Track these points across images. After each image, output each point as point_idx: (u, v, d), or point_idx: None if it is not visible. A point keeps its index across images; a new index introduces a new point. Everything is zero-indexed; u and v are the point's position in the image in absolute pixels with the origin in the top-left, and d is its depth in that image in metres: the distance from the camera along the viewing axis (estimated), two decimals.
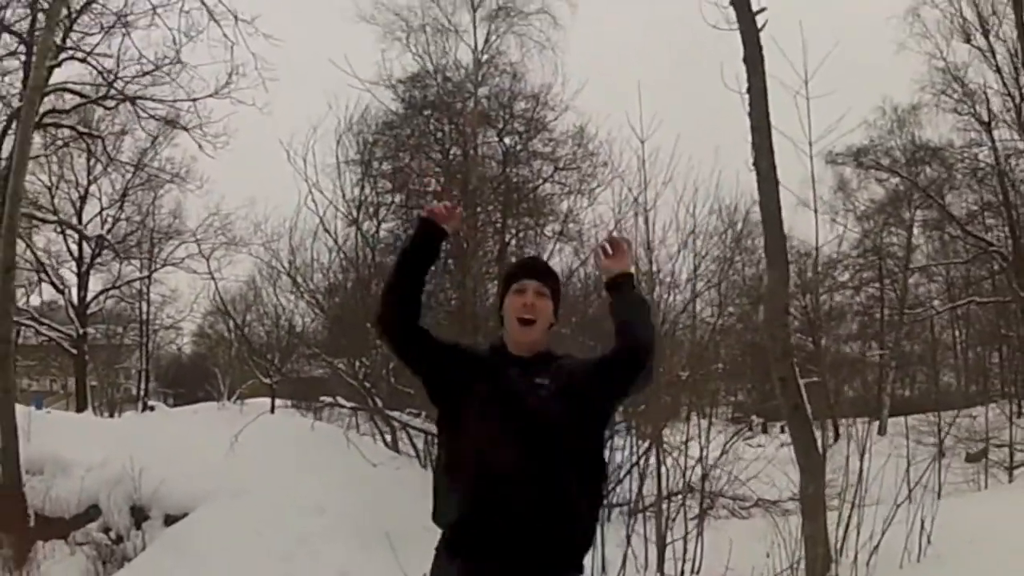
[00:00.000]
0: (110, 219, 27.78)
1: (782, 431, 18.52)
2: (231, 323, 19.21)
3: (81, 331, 26.16)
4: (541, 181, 21.46)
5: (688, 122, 10.62)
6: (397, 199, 21.25)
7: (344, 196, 13.26)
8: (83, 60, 17.40)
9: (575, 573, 2.87)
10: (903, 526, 7.49)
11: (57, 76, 17.09)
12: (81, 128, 20.56)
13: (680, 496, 8.77)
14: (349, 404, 12.24)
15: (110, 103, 18.58)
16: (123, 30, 16.68)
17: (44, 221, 23.93)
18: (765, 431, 20.25)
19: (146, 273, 29.30)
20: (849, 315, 30.40)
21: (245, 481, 9.20)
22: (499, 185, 19.38)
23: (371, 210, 18.52)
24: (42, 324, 25.24)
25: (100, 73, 17.54)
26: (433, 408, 3.09)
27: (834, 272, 27.10)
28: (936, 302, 27.76)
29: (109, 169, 25.81)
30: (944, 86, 23.78)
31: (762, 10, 7.39)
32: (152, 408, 24.85)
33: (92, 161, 25.55)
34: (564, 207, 19.55)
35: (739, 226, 11.19)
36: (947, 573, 7.12)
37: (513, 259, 16.58)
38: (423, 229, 3.01)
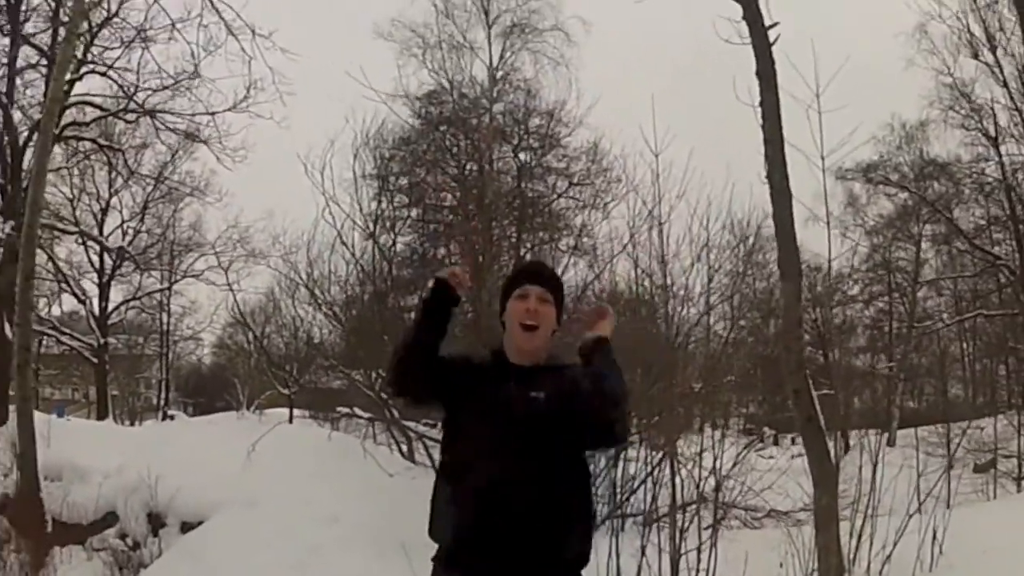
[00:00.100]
0: (131, 231, 28.20)
1: (793, 442, 18.53)
2: (250, 334, 19.45)
3: (102, 341, 26.38)
4: (556, 196, 21.65)
5: (693, 133, 10.63)
6: (414, 213, 21.52)
7: (361, 209, 13.32)
8: (104, 74, 17.54)
9: None
10: (915, 536, 7.48)
11: (78, 89, 17.27)
12: (102, 141, 20.70)
13: (694, 506, 8.77)
14: (366, 415, 12.33)
15: (130, 116, 18.68)
16: (143, 44, 16.83)
17: (66, 232, 24.09)
18: (776, 443, 20.23)
19: (166, 285, 29.59)
20: (859, 328, 30.45)
21: (261, 490, 9.30)
22: (514, 200, 19.52)
23: (388, 224, 18.61)
24: (64, 334, 25.41)
25: (120, 87, 17.69)
26: None
27: (844, 286, 27.13)
28: (944, 315, 27.76)
29: (130, 182, 26.09)
30: (952, 101, 23.78)
31: (775, 24, 7.46)
32: (172, 417, 25.11)
33: (113, 174, 25.74)
34: (578, 221, 19.70)
35: (751, 240, 11.14)
36: None
37: None
38: (437, 296, 2.94)
